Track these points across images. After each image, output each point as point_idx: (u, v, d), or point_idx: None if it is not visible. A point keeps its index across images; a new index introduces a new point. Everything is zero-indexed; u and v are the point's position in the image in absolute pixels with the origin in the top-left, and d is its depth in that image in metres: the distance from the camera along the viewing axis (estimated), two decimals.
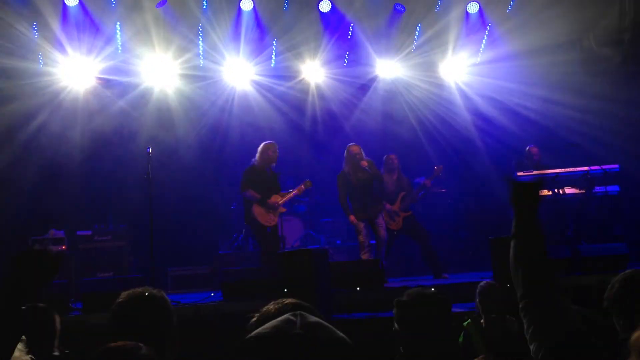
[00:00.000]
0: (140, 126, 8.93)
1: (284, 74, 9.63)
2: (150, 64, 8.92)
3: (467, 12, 9.25)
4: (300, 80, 9.71)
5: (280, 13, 9.01)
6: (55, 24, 8.26)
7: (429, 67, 9.72)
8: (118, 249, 8.10)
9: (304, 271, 5.26)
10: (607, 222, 7.96)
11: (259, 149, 7.30)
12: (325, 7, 8.99)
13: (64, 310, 5.46)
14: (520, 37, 8.87)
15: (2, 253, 6.92)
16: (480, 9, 9.21)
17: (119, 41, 8.69)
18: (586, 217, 7.89)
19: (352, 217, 7.43)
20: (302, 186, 7.52)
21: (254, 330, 1.31)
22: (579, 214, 7.81)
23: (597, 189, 7.73)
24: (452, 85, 9.86)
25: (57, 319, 3.00)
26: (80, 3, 8.32)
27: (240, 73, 9.39)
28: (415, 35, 9.44)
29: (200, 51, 9.11)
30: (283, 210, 7.42)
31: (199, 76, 9.35)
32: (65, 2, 8.25)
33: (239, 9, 8.83)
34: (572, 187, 7.53)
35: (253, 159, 7.33)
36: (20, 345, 2.10)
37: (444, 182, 9.06)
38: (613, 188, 7.82)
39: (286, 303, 1.68)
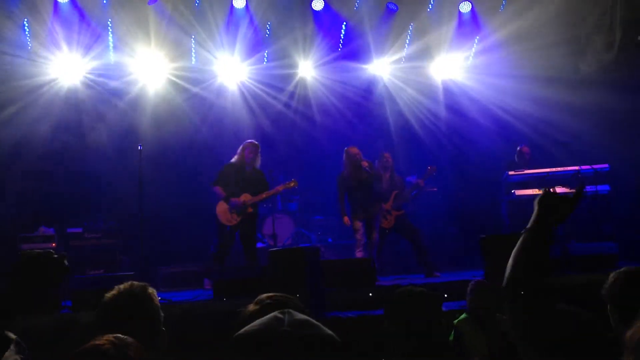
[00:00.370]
0: (132, 123, 8.90)
1: (277, 73, 9.61)
2: (142, 62, 8.87)
3: (459, 12, 9.28)
4: (294, 79, 9.71)
5: (273, 11, 9.00)
6: (47, 20, 8.21)
7: (421, 67, 9.74)
8: (109, 246, 8.05)
9: (297, 269, 5.27)
10: (598, 222, 7.99)
11: (240, 147, 7.30)
12: (318, 5, 8.99)
13: (54, 308, 5.41)
14: (512, 35, 8.90)
15: None
16: (472, 9, 9.24)
17: (110, 38, 8.65)
18: (576, 217, 7.91)
19: (345, 219, 7.49)
20: (280, 187, 7.36)
21: (242, 327, 1.30)
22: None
23: (588, 188, 7.76)
24: (444, 84, 9.89)
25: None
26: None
27: (232, 71, 9.37)
28: (408, 34, 9.46)
29: (193, 49, 9.07)
30: (250, 210, 7.12)
31: (191, 74, 9.31)
32: None
33: (232, 6, 8.81)
34: (563, 187, 7.55)
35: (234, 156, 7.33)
36: (11, 346, 2.08)
37: (435, 181, 9.08)
38: (603, 187, 7.87)
39: (267, 297, 1.67)
